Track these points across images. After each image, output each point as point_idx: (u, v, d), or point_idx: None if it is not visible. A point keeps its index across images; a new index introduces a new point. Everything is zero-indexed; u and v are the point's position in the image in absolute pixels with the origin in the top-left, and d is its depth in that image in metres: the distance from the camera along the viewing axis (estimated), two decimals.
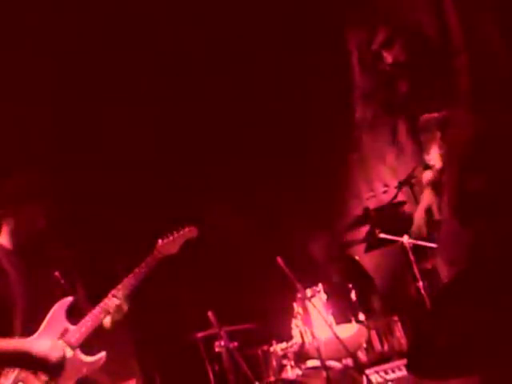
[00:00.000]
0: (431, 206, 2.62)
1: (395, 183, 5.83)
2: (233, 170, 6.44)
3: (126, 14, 5.88)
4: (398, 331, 5.21)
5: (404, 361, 4.76)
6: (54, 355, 3.44)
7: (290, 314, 4.96)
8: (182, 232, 4.02)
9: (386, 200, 5.94)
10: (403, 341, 5.13)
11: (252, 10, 6.19)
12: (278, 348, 4.87)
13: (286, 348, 4.84)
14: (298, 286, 4.43)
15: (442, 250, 2.41)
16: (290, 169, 6.64)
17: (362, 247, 5.80)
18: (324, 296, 4.85)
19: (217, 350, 4.89)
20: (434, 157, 2.55)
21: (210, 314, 4.65)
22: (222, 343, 4.81)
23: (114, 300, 3.65)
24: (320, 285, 4.90)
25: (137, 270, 3.75)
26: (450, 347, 2.00)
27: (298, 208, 6.55)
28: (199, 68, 6.30)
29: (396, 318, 5.26)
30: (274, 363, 4.89)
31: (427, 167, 2.77)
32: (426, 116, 2.55)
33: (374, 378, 4.69)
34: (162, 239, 3.97)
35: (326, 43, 6.31)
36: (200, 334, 5.08)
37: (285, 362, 4.81)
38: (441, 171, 2.54)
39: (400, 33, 2.67)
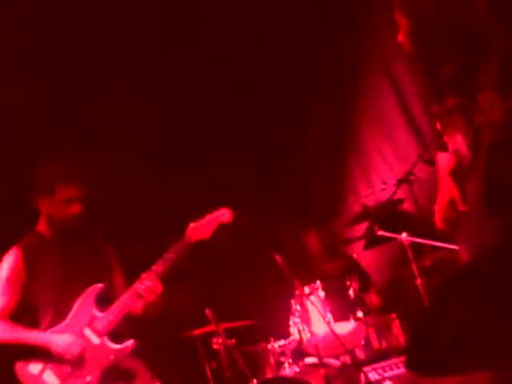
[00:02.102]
0: (453, 197, 2.56)
1: (394, 180, 5.82)
2: (231, 166, 6.43)
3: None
4: (396, 329, 5.20)
5: (402, 358, 4.76)
6: (71, 352, 3.46)
7: (288, 311, 4.96)
8: (214, 215, 3.79)
9: (385, 197, 5.92)
10: (401, 338, 5.12)
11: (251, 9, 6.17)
12: (275, 345, 4.87)
13: (284, 345, 4.83)
14: (296, 283, 4.42)
15: (467, 241, 2.38)
16: (288, 166, 6.63)
17: (360, 244, 5.79)
18: (322, 293, 4.85)
19: (214, 347, 4.89)
20: (460, 142, 2.50)
21: (207, 311, 4.64)
22: (220, 340, 4.80)
23: (141, 286, 3.60)
24: (318, 282, 4.89)
25: (165, 256, 3.65)
26: (449, 344, 1.99)
27: (297, 205, 6.54)
28: (206, 69, 6.29)
29: (394, 316, 5.25)
30: (272, 360, 4.89)
31: (444, 147, 2.70)
32: (451, 100, 2.51)
33: (372, 375, 4.68)
34: (194, 222, 3.79)
35: (325, 42, 6.30)
36: (198, 331, 5.07)
37: (282, 359, 4.81)
38: (464, 158, 2.49)
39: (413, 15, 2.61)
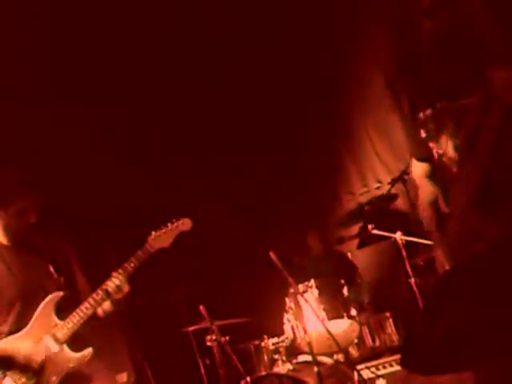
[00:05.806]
0: (436, 199, 2.56)
1: (389, 179, 5.83)
2: (226, 166, 6.43)
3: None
4: (390, 327, 5.21)
5: (395, 357, 4.77)
6: (36, 359, 3.49)
7: (282, 308, 4.96)
8: (175, 224, 3.89)
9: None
10: (395, 337, 5.13)
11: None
12: (269, 342, 4.87)
13: (278, 342, 4.83)
14: (291, 280, 4.42)
15: (453, 245, 2.37)
16: (283, 164, 6.64)
17: (354, 243, 5.80)
18: (316, 291, 4.85)
19: (208, 343, 4.89)
20: (445, 145, 2.49)
21: (201, 307, 4.64)
22: (214, 337, 4.80)
23: (102, 294, 3.62)
24: (312, 280, 4.89)
25: (126, 265, 3.68)
26: (445, 342, 2.00)
27: (292, 203, 6.54)
28: (197, 64, 6.27)
29: (388, 315, 5.27)
30: (266, 358, 4.89)
31: (422, 159, 2.71)
32: (443, 103, 2.50)
33: (365, 373, 4.69)
34: (155, 231, 3.87)
35: (321, 43, 6.30)
36: (191, 328, 5.07)
37: (276, 356, 4.81)
38: (453, 160, 2.48)
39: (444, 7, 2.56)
